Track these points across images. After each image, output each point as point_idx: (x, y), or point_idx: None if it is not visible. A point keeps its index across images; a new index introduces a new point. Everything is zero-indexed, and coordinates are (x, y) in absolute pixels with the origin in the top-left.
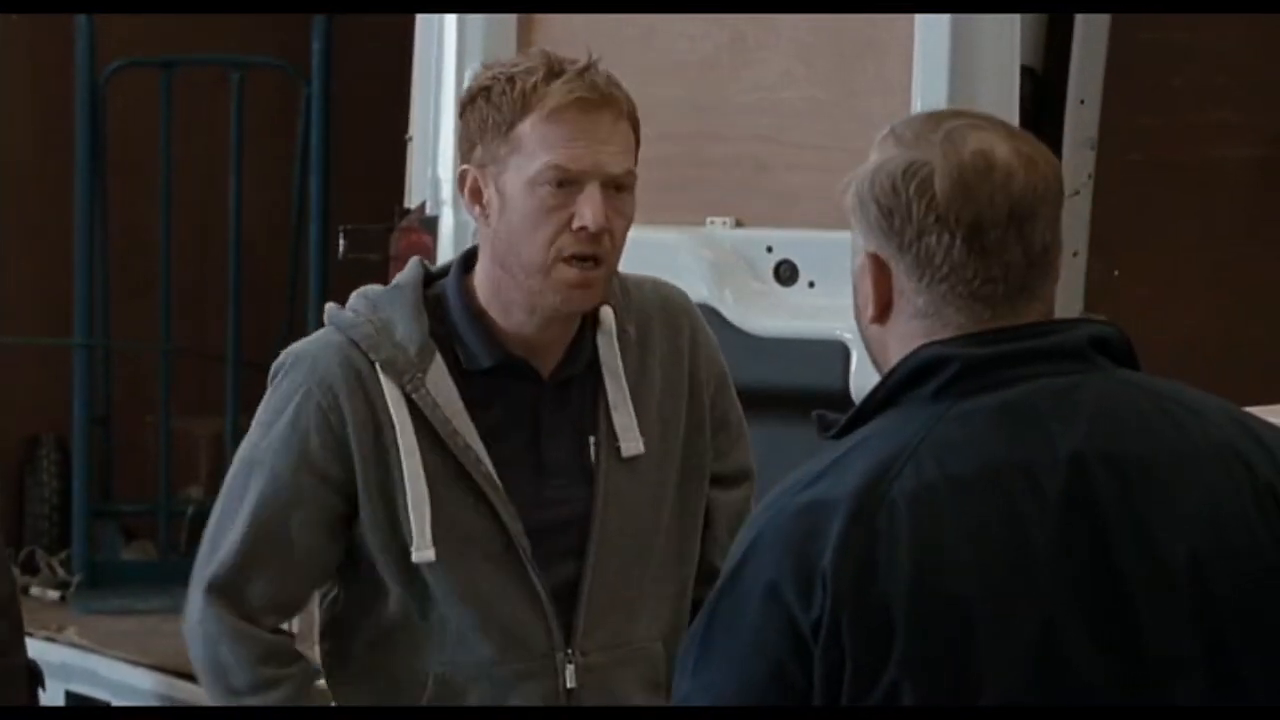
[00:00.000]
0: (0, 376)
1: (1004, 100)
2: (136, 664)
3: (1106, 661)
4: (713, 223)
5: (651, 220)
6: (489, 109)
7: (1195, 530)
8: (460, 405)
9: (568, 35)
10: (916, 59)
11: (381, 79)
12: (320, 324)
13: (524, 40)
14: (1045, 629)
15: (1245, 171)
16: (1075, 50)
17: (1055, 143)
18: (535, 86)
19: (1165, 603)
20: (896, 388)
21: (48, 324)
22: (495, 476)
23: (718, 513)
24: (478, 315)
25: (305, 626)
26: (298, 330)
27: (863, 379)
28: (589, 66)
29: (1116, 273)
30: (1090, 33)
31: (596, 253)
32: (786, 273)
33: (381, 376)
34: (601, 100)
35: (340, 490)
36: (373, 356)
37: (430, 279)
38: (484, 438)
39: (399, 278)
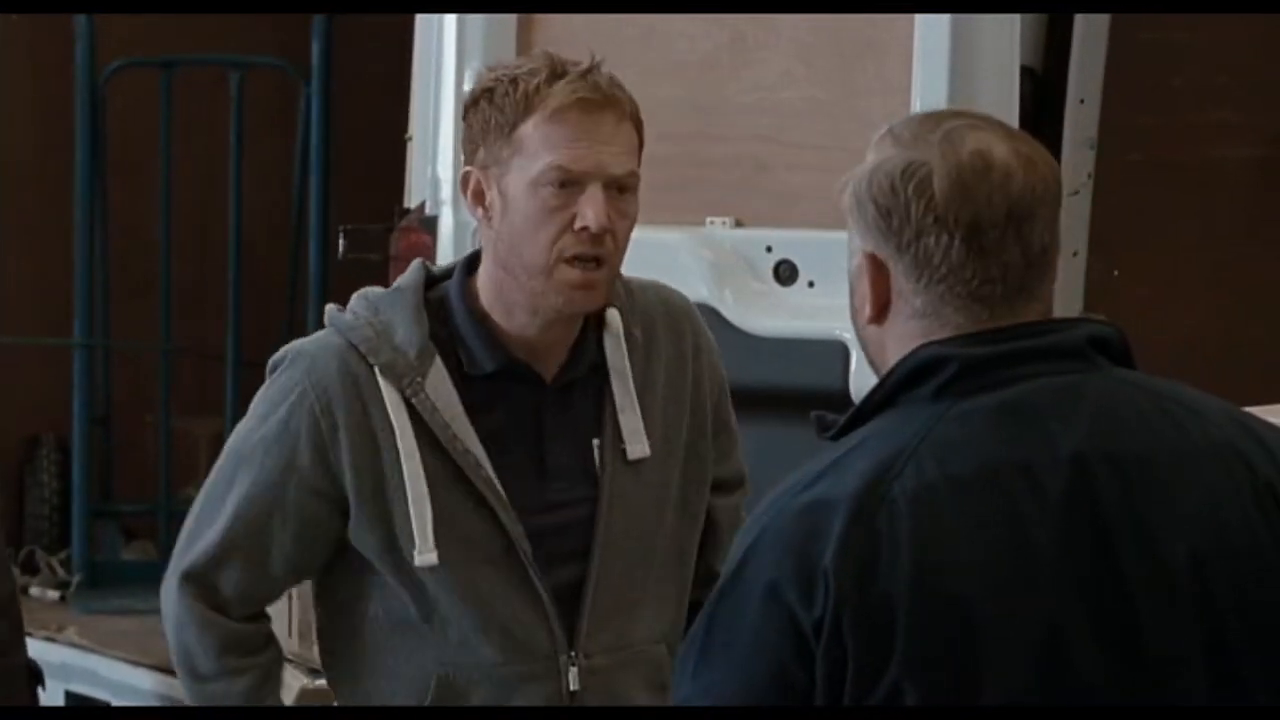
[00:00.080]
0: (0, 376)
1: (1004, 100)
2: (136, 664)
3: (1107, 661)
4: (713, 223)
5: (651, 220)
6: (492, 110)
7: (1196, 530)
8: (460, 409)
9: (568, 35)
10: (916, 59)
11: (381, 79)
12: (320, 324)
13: (524, 40)
14: (1047, 629)
15: (1245, 171)
16: (1075, 50)
17: (1055, 143)
18: (538, 88)
19: (1166, 602)
20: (895, 388)
21: (48, 324)
22: (495, 481)
23: (721, 517)
24: (480, 318)
25: (304, 626)
26: (298, 330)
27: (862, 379)
28: (592, 68)
29: (1116, 273)
30: (1090, 33)
31: (599, 253)
32: (786, 273)
33: (380, 380)
34: (604, 101)
35: (325, 498)
36: (372, 360)
37: (432, 281)
38: (486, 442)
39: (401, 280)
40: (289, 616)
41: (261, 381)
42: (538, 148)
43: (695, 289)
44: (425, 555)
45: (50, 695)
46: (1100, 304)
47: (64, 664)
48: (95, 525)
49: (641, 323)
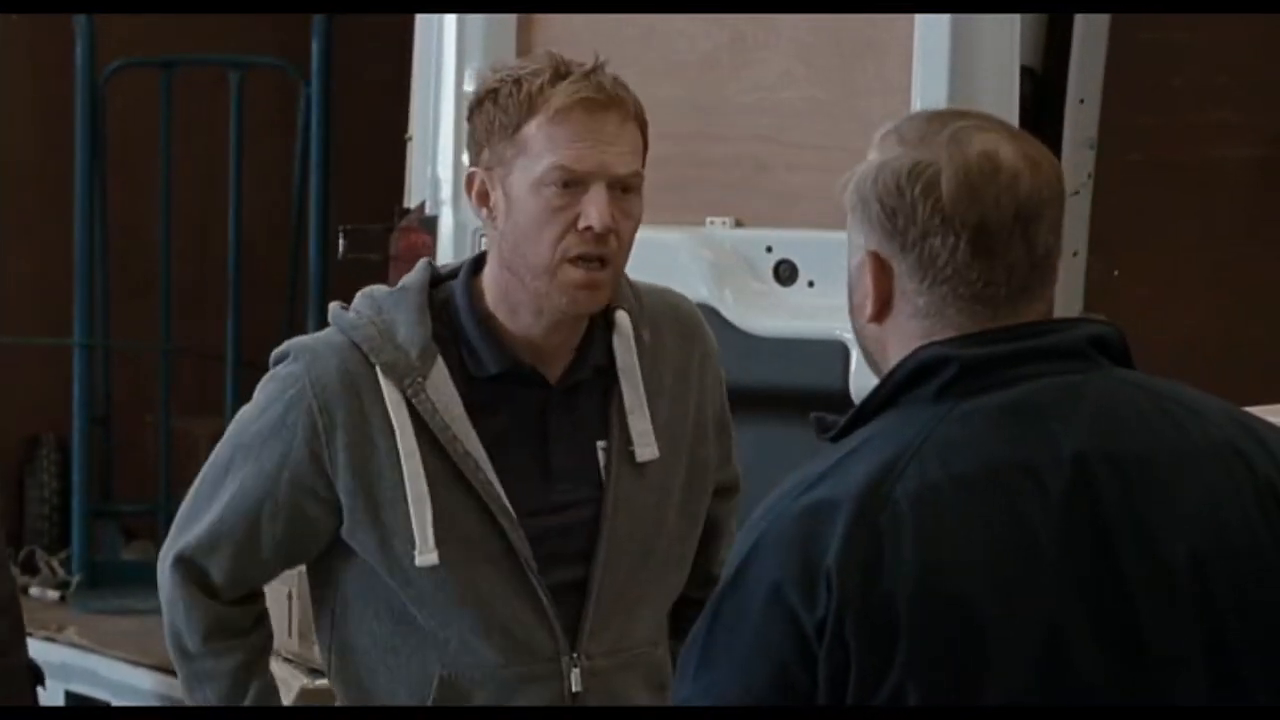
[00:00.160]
0: (0, 376)
1: (1004, 100)
2: (136, 664)
3: (1107, 661)
4: (713, 223)
5: (651, 220)
6: (496, 111)
7: (1196, 529)
8: (460, 410)
9: (568, 35)
10: (916, 59)
11: (381, 79)
12: (320, 324)
13: (524, 40)
14: (1048, 629)
15: (1245, 171)
16: (1075, 50)
17: (1055, 143)
18: (541, 88)
19: (1166, 602)
20: (896, 389)
21: (48, 324)
22: (495, 483)
23: (718, 520)
24: (485, 319)
25: (305, 626)
26: (297, 330)
27: (862, 379)
28: (596, 68)
29: (1116, 273)
30: (1090, 33)
31: (602, 253)
32: (786, 273)
33: (382, 379)
34: (608, 101)
35: (317, 495)
36: (373, 359)
37: (437, 281)
38: (490, 444)
39: (406, 279)
40: (289, 616)
41: (261, 382)
42: (541, 148)
43: (695, 289)
44: (426, 555)
45: (50, 695)
46: (1100, 304)
47: (64, 664)
48: (95, 525)
49: (649, 325)
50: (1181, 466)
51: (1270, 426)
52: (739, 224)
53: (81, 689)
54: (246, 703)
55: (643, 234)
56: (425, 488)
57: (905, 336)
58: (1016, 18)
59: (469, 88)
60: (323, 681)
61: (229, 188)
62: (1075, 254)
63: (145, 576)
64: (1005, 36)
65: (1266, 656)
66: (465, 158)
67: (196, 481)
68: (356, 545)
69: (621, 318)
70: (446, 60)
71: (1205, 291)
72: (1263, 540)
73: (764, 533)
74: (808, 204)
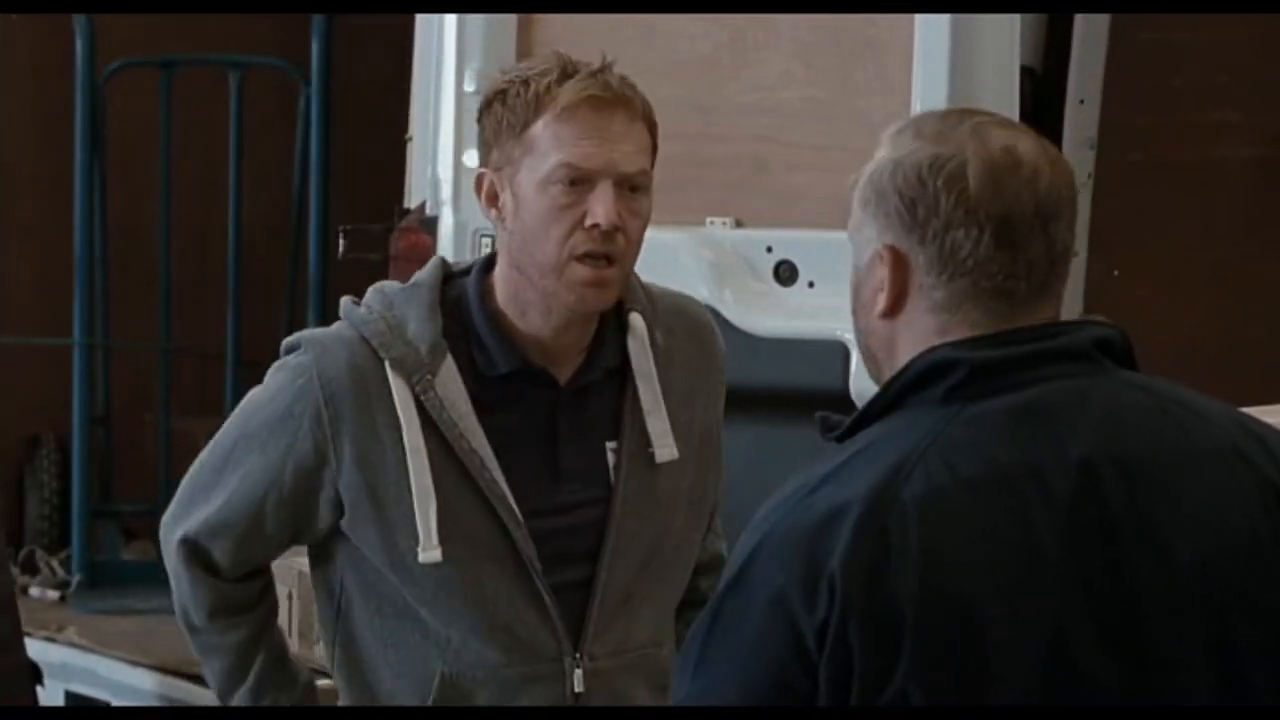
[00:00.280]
0: (0, 376)
1: (1004, 100)
2: (136, 664)
3: (1113, 663)
4: (713, 223)
5: (651, 220)
6: (504, 111)
7: (1201, 531)
8: (468, 408)
9: (568, 35)
10: (916, 59)
11: (381, 79)
12: (320, 324)
13: (524, 40)
14: (1053, 631)
15: (1245, 171)
16: (1075, 50)
17: (1055, 143)
18: (549, 87)
19: (1172, 604)
20: (903, 390)
21: (48, 324)
22: (500, 482)
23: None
24: (495, 317)
25: (305, 626)
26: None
27: (863, 379)
28: (603, 67)
29: (1116, 273)
30: (1090, 33)
31: (609, 251)
32: (786, 273)
33: (390, 375)
34: (614, 99)
35: (320, 489)
36: (383, 354)
37: (450, 278)
38: (499, 443)
39: (418, 275)
40: (289, 617)
41: (261, 382)
42: (548, 146)
43: (695, 289)
44: (429, 552)
45: (50, 695)
46: (1100, 304)
47: (64, 664)
48: (95, 525)
49: (662, 328)
50: (1186, 468)
51: (1269, 428)
52: (739, 224)
53: (81, 689)
54: (252, 675)
55: None
56: (430, 484)
57: (918, 332)
58: (1016, 18)
59: (469, 88)
60: (325, 681)
61: (229, 188)
62: (1075, 254)
63: (145, 576)
64: (1005, 36)
65: (1270, 657)
66: (465, 158)
67: (203, 457)
68: (359, 540)
69: (636, 319)
70: (446, 60)
71: (1205, 291)
72: (1265, 541)
73: (768, 533)
74: (808, 204)
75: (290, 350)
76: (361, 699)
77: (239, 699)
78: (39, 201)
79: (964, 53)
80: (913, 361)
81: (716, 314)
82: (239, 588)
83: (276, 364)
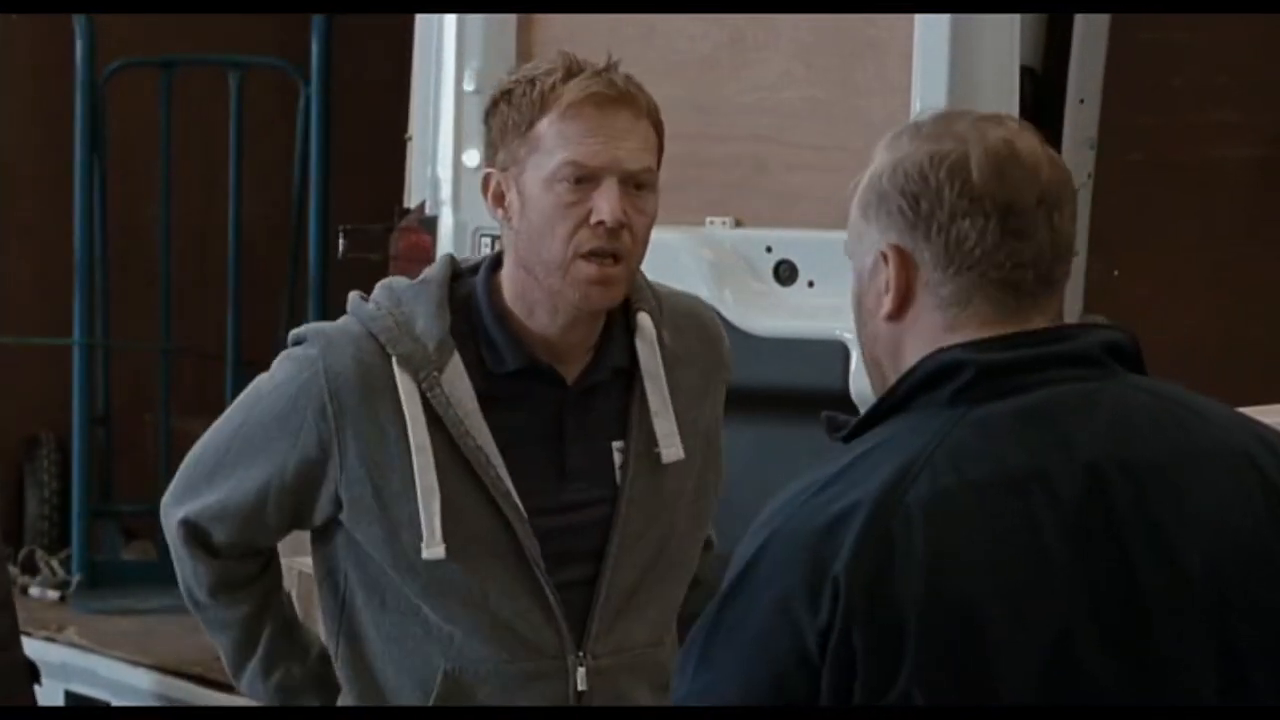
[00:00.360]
0: (0, 376)
1: (1004, 100)
2: (136, 664)
3: (1119, 667)
4: (712, 223)
5: None
6: (510, 111)
7: (1208, 535)
8: (474, 405)
9: (568, 35)
10: (916, 59)
11: (381, 79)
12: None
13: (524, 40)
14: (1059, 635)
15: (1245, 171)
16: (1075, 50)
17: (1055, 143)
18: (554, 86)
19: (1179, 607)
20: (910, 392)
21: (48, 324)
22: (505, 479)
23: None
24: (503, 315)
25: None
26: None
27: (863, 379)
28: (609, 66)
29: (1116, 273)
30: (1090, 32)
31: (615, 249)
32: (786, 273)
33: (397, 371)
34: (619, 97)
35: (322, 482)
36: (390, 350)
37: (458, 275)
38: (505, 441)
39: (427, 272)
40: None
41: None
42: (553, 144)
43: (695, 289)
44: (433, 549)
45: (50, 695)
46: (1100, 304)
47: (64, 664)
48: (95, 525)
49: (669, 328)
50: (1193, 472)
51: (1274, 431)
52: (739, 224)
53: (81, 689)
54: (261, 646)
55: None
56: (435, 481)
57: (926, 330)
58: (1016, 18)
59: (469, 87)
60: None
61: (229, 188)
62: (1075, 254)
63: (145, 576)
64: (1005, 36)
65: (1275, 661)
66: (465, 157)
67: (206, 439)
68: (362, 536)
69: (643, 319)
70: (446, 60)
71: (1205, 291)
72: (1271, 544)
73: (774, 534)
74: (808, 204)
75: (298, 342)
76: (364, 694)
77: (250, 672)
78: (39, 201)
79: (964, 53)
80: (920, 363)
81: (716, 314)
82: (239, 564)
83: (283, 354)
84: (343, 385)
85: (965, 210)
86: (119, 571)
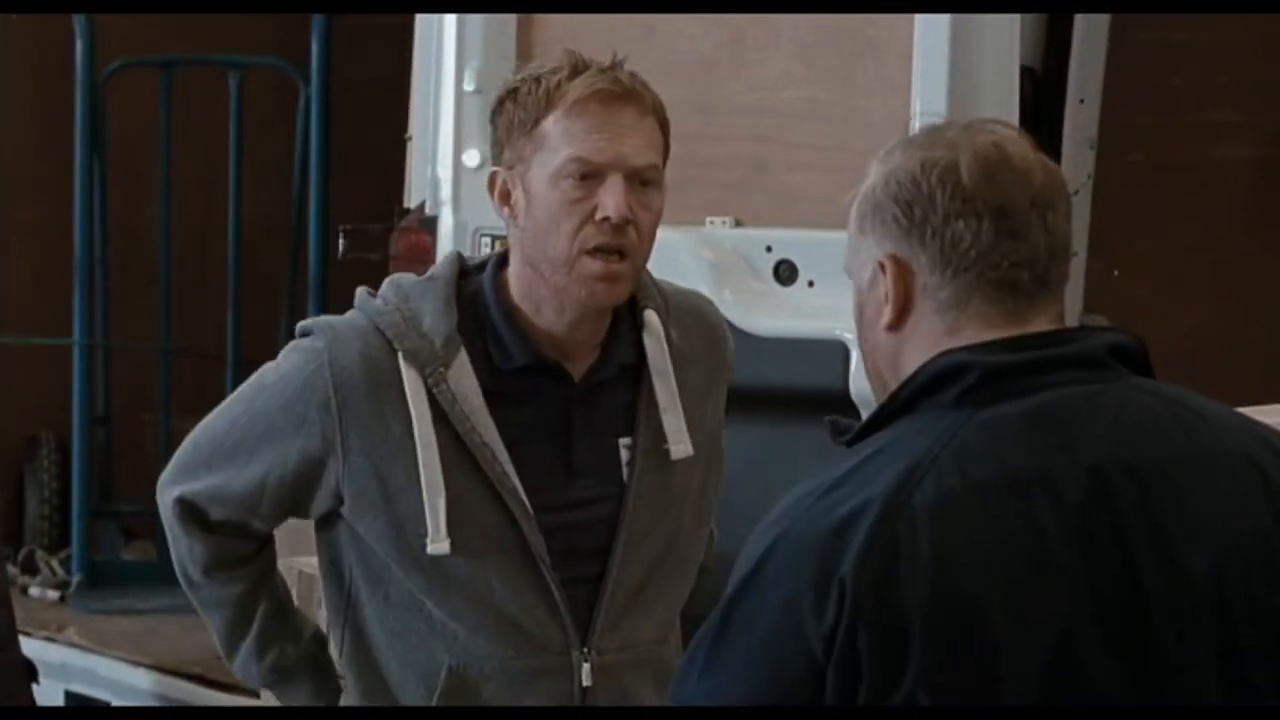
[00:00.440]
0: (0, 376)
1: (1004, 100)
2: (136, 664)
3: (1122, 669)
4: (712, 223)
5: None
6: (515, 109)
7: (1211, 537)
8: (480, 401)
9: (568, 35)
10: (916, 59)
11: (381, 79)
12: None
13: (524, 40)
14: (1062, 637)
15: (1245, 171)
16: (1075, 50)
17: (1055, 143)
18: (559, 83)
19: (1183, 610)
20: (915, 394)
21: (48, 324)
22: (511, 475)
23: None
24: (511, 312)
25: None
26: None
27: (862, 379)
28: (614, 64)
29: (1116, 273)
30: (1090, 33)
31: (620, 245)
32: (786, 272)
33: (403, 366)
34: (624, 94)
35: (323, 475)
36: (397, 345)
37: (465, 273)
38: (512, 438)
39: (434, 269)
40: None
41: None
42: (558, 141)
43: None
44: (438, 544)
45: (50, 695)
46: (1100, 304)
47: (63, 664)
48: (95, 525)
49: (676, 325)
50: (1197, 474)
51: (1275, 431)
52: (739, 224)
53: (81, 689)
54: (254, 626)
55: None
56: (440, 476)
57: (927, 336)
58: (1016, 18)
59: (469, 87)
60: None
61: (229, 188)
62: (1075, 254)
63: (145, 576)
64: (1005, 36)
65: (1277, 662)
66: (465, 157)
67: (208, 423)
68: (365, 531)
69: (651, 316)
70: (446, 60)
71: (1205, 291)
72: (1274, 545)
73: (780, 536)
74: (808, 204)
75: (305, 334)
76: (369, 689)
77: (244, 652)
78: (39, 201)
79: (964, 53)
80: (925, 365)
81: None
82: (235, 542)
83: (290, 345)
84: (347, 380)
85: (958, 212)
86: (119, 571)
